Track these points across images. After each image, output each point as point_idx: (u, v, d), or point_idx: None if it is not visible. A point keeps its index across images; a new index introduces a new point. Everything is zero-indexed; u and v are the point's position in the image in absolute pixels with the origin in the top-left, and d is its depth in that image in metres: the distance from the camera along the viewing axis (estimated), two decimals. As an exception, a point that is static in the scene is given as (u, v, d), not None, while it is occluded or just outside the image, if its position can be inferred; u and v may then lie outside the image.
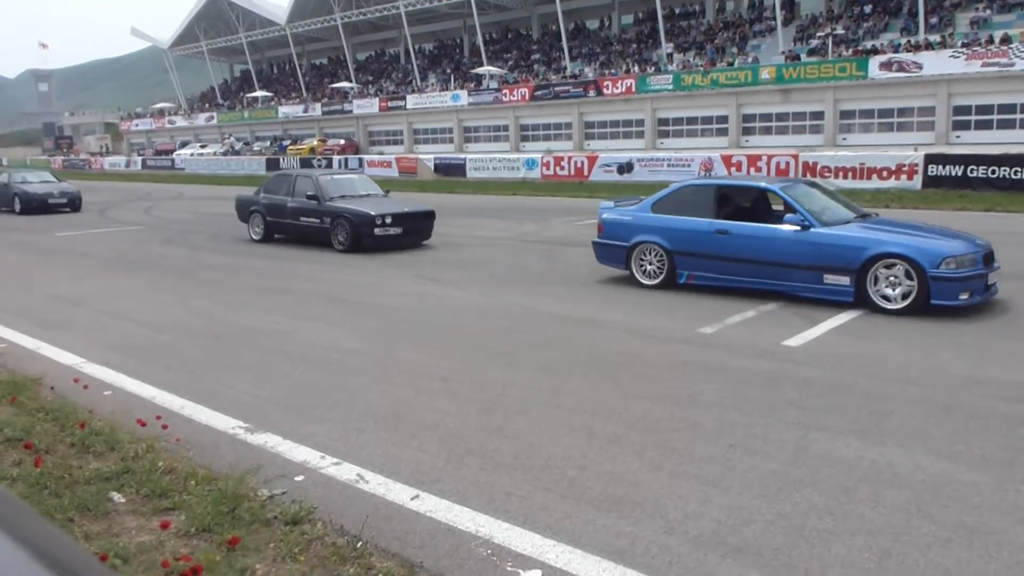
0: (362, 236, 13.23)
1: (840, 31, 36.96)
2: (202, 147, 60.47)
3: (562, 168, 31.14)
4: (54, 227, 19.29)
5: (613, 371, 6.22)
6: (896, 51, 33.58)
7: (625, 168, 29.06)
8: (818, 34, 37.89)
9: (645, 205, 9.89)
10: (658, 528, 3.64)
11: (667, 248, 9.41)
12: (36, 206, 23.02)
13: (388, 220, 13.28)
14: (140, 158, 61.74)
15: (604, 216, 10.19)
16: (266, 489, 4.04)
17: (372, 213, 13.28)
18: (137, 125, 75.86)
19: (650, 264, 9.62)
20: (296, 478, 4.26)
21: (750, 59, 38.87)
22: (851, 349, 6.71)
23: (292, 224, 14.55)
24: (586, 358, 6.65)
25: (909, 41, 34.06)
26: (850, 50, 35.48)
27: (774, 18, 39.62)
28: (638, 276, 9.72)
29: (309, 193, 14.00)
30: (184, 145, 64.06)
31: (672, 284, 9.46)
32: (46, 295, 10.12)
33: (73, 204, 23.78)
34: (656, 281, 9.55)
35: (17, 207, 23.20)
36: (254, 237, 15.41)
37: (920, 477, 4.13)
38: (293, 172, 15.73)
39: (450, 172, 35.66)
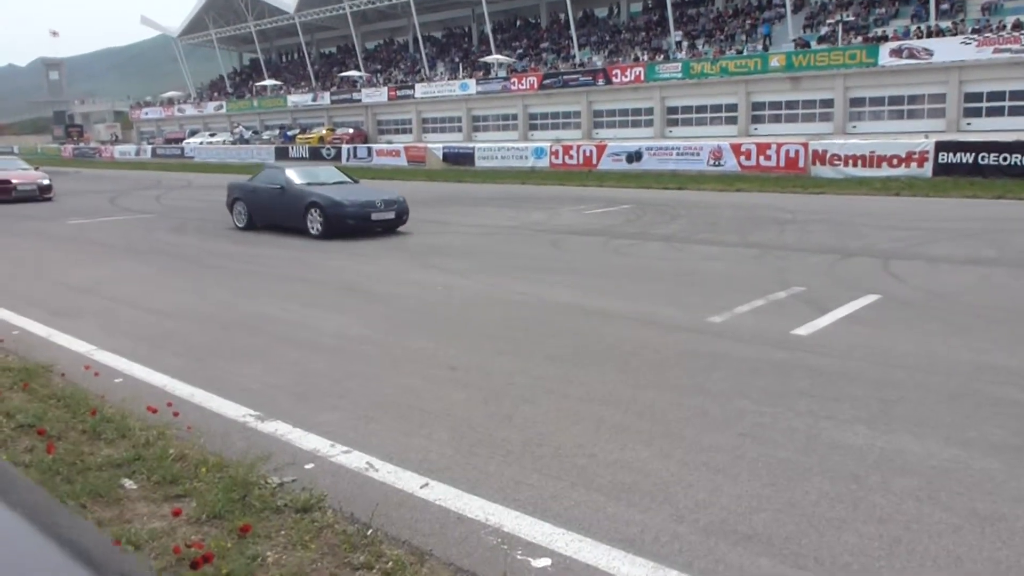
0: None
1: (850, 18, 36.65)
2: (211, 135, 60.56)
3: (571, 157, 30.99)
4: (64, 215, 19.37)
5: (622, 360, 6.22)
6: (907, 38, 33.29)
7: (634, 157, 28.93)
8: (828, 21, 37.60)
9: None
10: (668, 516, 3.65)
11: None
12: (353, 224, 13.86)
13: None
14: (150, 146, 61.79)
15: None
16: (276, 477, 4.07)
17: None
18: (147, 114, 76.07)
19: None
20: (306, 466, 4.28)
21: (759, 47, 38.61)
22: (861, 338, 6.68)
23: None
24: (594, 347, 6.64)
25: (920, 28, 33.76)
26: (860, 37, 35.20)
27: (783, 5, 39.30)
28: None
29: None
30: (193, 134, 64.17)
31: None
32: (57, 283, 10.17)
33: (400, 219, 14.54)
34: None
35: (317, 226, 13.91)
36: None
37: (931, 464, 4.11)
38: None
39: (459, 161, 35.58)
